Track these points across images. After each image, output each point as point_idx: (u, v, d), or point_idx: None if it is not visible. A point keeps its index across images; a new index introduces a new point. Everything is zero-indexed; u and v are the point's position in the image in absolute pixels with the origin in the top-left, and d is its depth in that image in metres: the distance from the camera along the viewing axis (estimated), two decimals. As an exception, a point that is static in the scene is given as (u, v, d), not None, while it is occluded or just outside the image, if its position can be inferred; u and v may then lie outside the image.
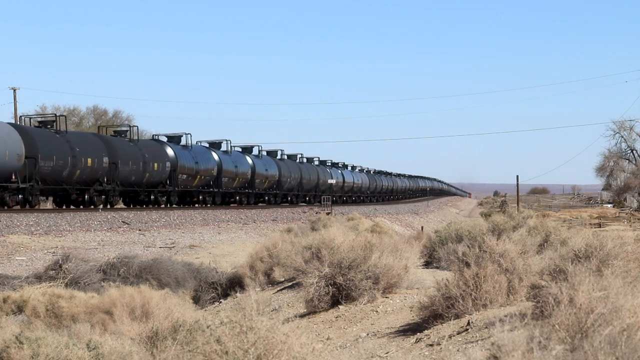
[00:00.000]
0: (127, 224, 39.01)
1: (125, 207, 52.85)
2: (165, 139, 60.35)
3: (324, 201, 71.86)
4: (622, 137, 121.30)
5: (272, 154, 79.07)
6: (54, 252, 26.11)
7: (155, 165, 54.13)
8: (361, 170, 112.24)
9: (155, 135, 63.37)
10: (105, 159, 48.55)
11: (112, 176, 49.24)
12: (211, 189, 62.51)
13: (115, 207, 50.37)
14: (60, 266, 19.51)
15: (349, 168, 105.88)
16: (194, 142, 63.99)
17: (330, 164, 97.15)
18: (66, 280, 18.45)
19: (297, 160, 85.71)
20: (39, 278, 18.97)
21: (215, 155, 63.51)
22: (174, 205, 55.61)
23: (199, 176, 59.97)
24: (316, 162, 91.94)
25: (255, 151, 73.87)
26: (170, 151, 56.78)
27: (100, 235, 33.41)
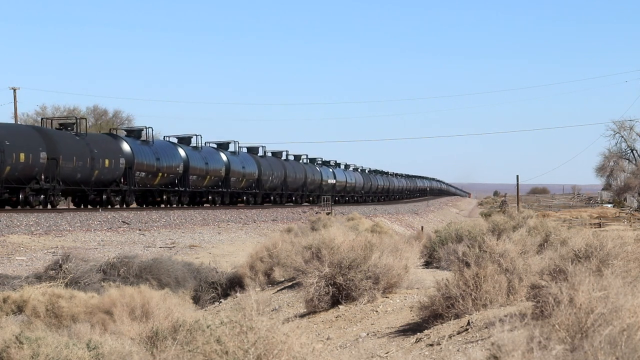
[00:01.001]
0: (127, 224, 39.02)
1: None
2: (124, 134, 56.33)
3: (324, 201, 70.87)
4: (622, 137, 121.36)
5: (252, 150, 73.72)
6: (54, 252, 26.11)
7: (107, 161, 48.85)
8: (355, 169, 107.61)
9: (113, 129, 59.20)
10: (43, 154, 43.15)
11: (51, 173, 43.86)
12: (177, 188, 57.55)
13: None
14: (60, 266, 19.51)
15: (342, 166, 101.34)
16: (160, 138, 59.98)
17: (321, 162, 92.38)
18: (66, 280, 18.45)
19: (283, 158, 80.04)
20: (39, 278, 18.98)
21: (182, 152, 58.70)
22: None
23: (160, 174, 54.91)
24: (304, 160, 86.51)
25: (232, 147, 68.93)
26: (126, 147, 51.77)
27: (100, 235, 33.42)
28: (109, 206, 48.96)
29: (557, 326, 7.19)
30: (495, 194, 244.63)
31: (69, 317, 14.10)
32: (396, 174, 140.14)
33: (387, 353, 10.74)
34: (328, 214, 53.25)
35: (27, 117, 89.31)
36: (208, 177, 61.77)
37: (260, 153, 74.64)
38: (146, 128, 57.42)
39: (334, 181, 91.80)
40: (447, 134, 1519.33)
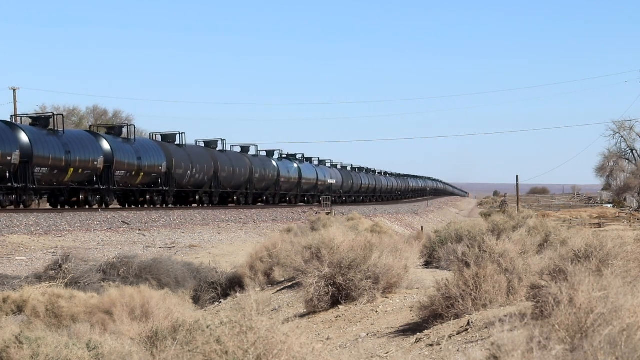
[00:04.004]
0: (127, 224, 39.02)
1: (125, 207, 50.53)
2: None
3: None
4: (622, 137, 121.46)
5: (168, 138, 58.92)
6: (54, 252, 26.12)
7: None
8: (334, 166, 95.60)
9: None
10: None
11: None
12: (10, 184, 41.94)
13: (113, 207, 49.25)
14: (60, 266, 19.52)
15: (315, 162, 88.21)
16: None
17: (285, 155, 79.53)
18: (66, 280, 18.46)
19: (219, 148, 65.20)
20: (38, 278, 18.99)
21: (23, 137, 43.32)
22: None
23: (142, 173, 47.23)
24: (254, 152, 72.14)
25: (125, 133, 54.45)
26: None
27: (100, 235, 33.42)
28: None
29: (557, 326, 7.19)
30: (495, 194, 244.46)
31: (68, 317, 14.10)
32: (385, 173, 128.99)
33: (387, 353, 10.74)
34: (328, 214, 53.33)
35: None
36: (72, 170, 46.62)
37: (179, 141, 59.56)
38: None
39: (299, 178, 78.31)
40: (447, 134, 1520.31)
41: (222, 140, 66.10)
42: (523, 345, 6.61)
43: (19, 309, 14.57)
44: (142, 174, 52.12)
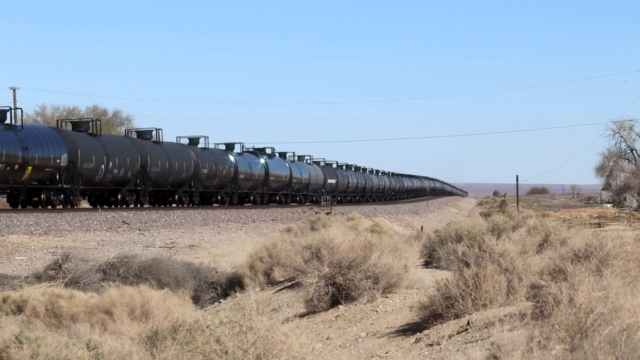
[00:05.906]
0: (127, 223, 39.02)
1: (125, 206, 50.13)
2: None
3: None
4: (622, 136, 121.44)
5: (79, 126, 49.53)
6: (54, 252, 26.13)
7: None
8: (316, 163, 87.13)
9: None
10: None
11: None
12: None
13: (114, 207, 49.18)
14: (60, 266, 19.52)
15: (290, 158, 79.97)
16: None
17: (251, 150, 71.83)
18: (66, 280, 18.46)
19: (153, 139, 55.40)
20: (38, 278, 19.00)
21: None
22: (173, 205, 49.37)
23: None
24: (204, 145, 62.77)
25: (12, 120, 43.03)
26: None
27: (100, 235, 33.43)
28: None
29: (556, 326, 7.19)
30: (495, 193, 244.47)
31: (68, 317, 14.10)
32: (377, 171, 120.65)
33: (386, 353, 10.74)
34: (327, 213, 53.37)
35: (27, 117, 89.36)
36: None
37: (93, 130, 49.52)
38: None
39: (265, 175, 69.52)
40: (446, 134, 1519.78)
41: (158, 130, 55.99)
42: (523, 345, 6.61)
43: (19, 309, 14.57)
44: (29, 168, 41.85)
